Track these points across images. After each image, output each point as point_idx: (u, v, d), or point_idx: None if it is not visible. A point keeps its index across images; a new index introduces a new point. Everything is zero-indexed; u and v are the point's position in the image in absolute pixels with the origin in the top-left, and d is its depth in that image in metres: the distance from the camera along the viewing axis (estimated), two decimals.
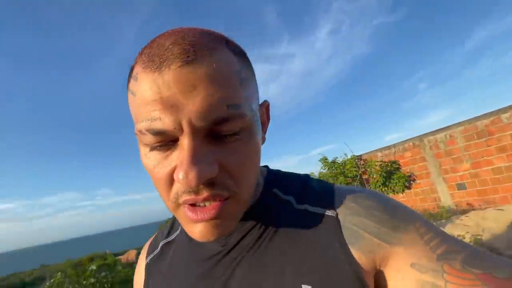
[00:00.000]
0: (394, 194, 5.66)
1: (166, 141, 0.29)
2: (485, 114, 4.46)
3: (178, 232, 0.47)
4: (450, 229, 3.32)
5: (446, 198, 4.97)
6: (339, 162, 6.54)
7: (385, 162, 5.79)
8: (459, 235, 3.02)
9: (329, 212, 0.36)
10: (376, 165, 5.86)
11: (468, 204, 4.67)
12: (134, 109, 0.30)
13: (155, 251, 0.47)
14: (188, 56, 0.27)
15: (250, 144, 0.31)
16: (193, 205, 0.30)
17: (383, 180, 5.58)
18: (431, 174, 5.17)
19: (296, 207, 0.38)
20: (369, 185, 5.87)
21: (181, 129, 0.27)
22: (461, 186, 4.78)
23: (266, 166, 0.48)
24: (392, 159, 5.75)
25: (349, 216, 0.35)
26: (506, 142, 4.23)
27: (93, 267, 5.36)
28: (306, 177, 0.44)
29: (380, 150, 6.04)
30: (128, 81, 0.31)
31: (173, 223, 0.50)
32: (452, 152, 4.84)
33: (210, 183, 0.29)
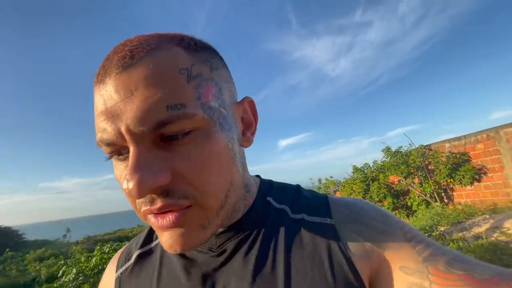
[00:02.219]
0: (461, 185, 5.73)
1: (121, 150, 0.30)
2: None
3: (157, 241, 0.45)
4: (508, 222, 3.60)
5: None
6: (403, 151, 6.76)
7: (453, 153, 5.83)
8: (507, 227, 3.35)
9: (326, 220, 0.38)
10: (442, 156, 5.95)
11: None
12: (95, 122, 0.30)
13: (128, 263, 0.44)
14: (125, 62, 0.27)
15: (207, 146, 0.30)
16: (155, 214, 0.29)
17: (448, 171, 5.70)
18: (505, 168, 5.08)
19: (291, 216, 0.40)
20: (433, 176, 6.04)
21: (122, 137, 0.27)
22: None
23: (258, 176, 0.48)
24: (462, 150, 5.74)
25: (344, 223, 0.38)
26: None
27: None
28: (298, 187, 0.46)
29: (449, 140, 6.04)
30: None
31: (150, 231, 0.47)
32: None
33: (164, 192, 0.28)
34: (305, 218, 0.39)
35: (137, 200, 0.30)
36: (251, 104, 0.39)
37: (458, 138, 5.89)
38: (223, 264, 0.37)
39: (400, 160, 6.62)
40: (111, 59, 0.28)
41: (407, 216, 6.45)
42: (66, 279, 5.88)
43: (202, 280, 0.36)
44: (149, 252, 0.44)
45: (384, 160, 7.19)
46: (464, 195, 5.80)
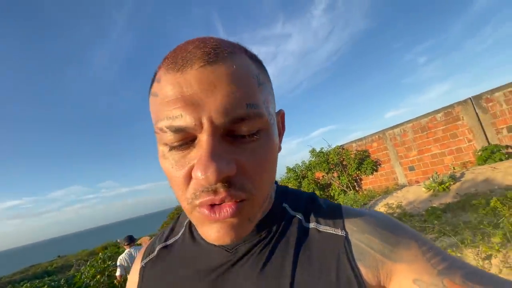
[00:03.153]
0: (365, 175, 7.58)
1: (185, 140, 0.30)
2: (425, 114, 6.24)
3: (178, 236, 0.47)
4: (390, 199, 5.20)
5: (402, 177, 6.88)
6: (324, 151, 8.38)
7: (358, 151, 7.66)
8: (391, 203, 4.91)
9: (338, 232, 0.38)
10: (351, 154, 7.73)
11: (416, 181, 6.57)
12: (156, 109, 0.31)
13: (151, 254, 0.47)
14: (210, 58, 0.29)
15: (268, 146, 0.33)
16: (211, 205, 0.30)
17: (356, 165, 7.47)
18: (391, 160, 7.05)
19: (305, 225, 0.40)
20: (347, 170, 7.77)
21: (201, 126, 0.28)
22: (411, 168, 6.67)
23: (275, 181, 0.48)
24: (364, 148, 7.61)
25: (356, 233, 0.37)
26: (439, 135, 6.05)
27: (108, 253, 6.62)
28: (313, 195, 0.46)
29: (355, 141, 7.90)
30: (151, 85, 0.34)
31: (173, 227, 0.50)
32: (405, 143, 6.68)
33: (227, 183, 0.29)
34: (318, 228, 0.39)
35: (193, 191, 0.30)
36: (283, 116, 0.42)
37: (360, 139, 7.76)
38: (234, 264, 0.38)
39: (322, 159, 8.22)
40: (193, 52, 0.30)
41: None
42: None
43: (215, 278, 0.38)
44: (171, 246, 0.46)
45: (311, 160, 8.75)
46: (368, 182, 7.71)
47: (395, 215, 4.39)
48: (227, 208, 0.30)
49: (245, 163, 0.30)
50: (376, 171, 7.45)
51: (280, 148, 0.40)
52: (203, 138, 0.29)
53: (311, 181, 8.49)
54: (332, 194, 8.11)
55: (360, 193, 7.36)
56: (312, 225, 0.40)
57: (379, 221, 0.39)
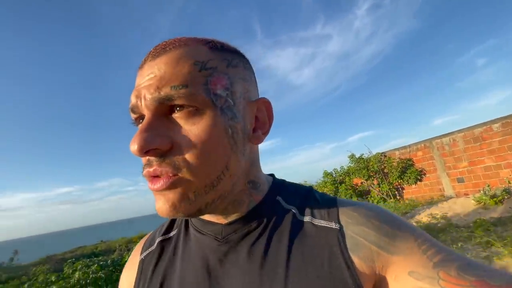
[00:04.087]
0: (408, 185, 7.40)
1: (138, 119, 0.38)
2: (480, 124, 5.96)
3: (176, 229, 0.49)
4: (435, 209, 5.11)
5: (449, 189, 6.61)
6: (364, 158, 8.33)
7: (401, 159, 7.50)
8: (435, 213, 4.84)
9: (332, 225, 0.39)
10: (394, 162, 7.60)
11: (465, 194, 6.28)
12: None
13: (151, 247, 0.49)
14: (156, 52, 0.36)
15: (207, 125, 0.34)
16: (152, 177, 0.34)
17: (398, 174, 7.33)
18: (437, 170, 6.81)
19: (299, 218, 0.41)
20: (388, 178, 7.65)
21: (140, 105, 0.35)
22: (460, 180, 6.39)
23: (272, 175, 0.51)
24: (408, 157, 7.44)
25: (351, 225, 0.39)
26: (495, 146, 5.74)
27: None
28: (310, 189, 0.47)
29: (398, 149, 7.74)
30: None
31: (172, 220, 0.52)
32: (454, 153, 6.42)
33: (161, 157, 0.33)
34: (312, 221, 0.40)
35: (142, 166, 0.35)
36: (267, 105, 0.42)
37: (404, 147, 7.60)
38: (227, 253, 0.40)
39: (362, 165, 8.17)
40: (151, 50, 0.37)
41: None
42: None
43: (209, 267, 0.40)
44: (170, 239, 0.48)
45: (349, 165, 8.73)
46: (411, 192, 7.51)
47: (439, 225, 4.35)
48: (161, 181, 0.33)
49: (180, 141, 0.33)
50: (420, 180, 7.23)
51: (260, 139, 0.41)
52: (145, 115, 0.35)
53: (348, 186, 8.48)
54: (371, 202, 8.03)
55: (402, 202, 7.20)
56: (307, 218, 0.41)
57: (375, 214, 0.40)
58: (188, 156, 0.33)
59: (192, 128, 0.34)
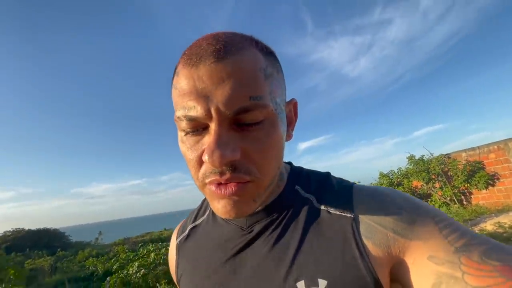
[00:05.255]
0: (477, 189, 6.87)
1: (198, 127, 0.36)
2: None
3: (204, 217, 0.55)
4: (504, 218, 4.78)
5: None
6: (424, 160, 7.94)
7: (469, 161, 7.00)
8: (503, 222, 4.56)
9: (347, 213, 0.41)
10: (460, 164, 7.14)
11: None
12: (174, 100, 0.38)
13: (183, 233, 0.55)
14: (219, 54, 0.34)
15: (272, 134, 0.37)
16: (218, 184, 0.36)
17: (465, 177, 6.88)
18: None
19: (316, 206, 0.44)
20: (452, 182, 7.22)
21: (210, 116, 0.34)
22: None
23: (289, 163, 0.54)
24: (477, 159, 6.91)
25: (366, 212, 0.40)
26: None
27: None
28: (327, 176, 0.49)
29: (465, 150, 7.23)
30: (173, 77, 0.39)
31: (200, 208, 0.58)
32: None
33: (232, 166, 0.35)
34: (328, 209, 0.42)
35: (203, 172, 0.37)
36: (295, 105, 0.47)
37: (472, 149, 7.07)
38: (250, 243, 0.44)
39: (422, 167, 7.81)
40: (205, 49, 0.35)
41: None
42: (130, 271, 7.27)
43: (234, 254, 0.44)
44: (199, 226, 0.54)
45: (408, 167, 8.41)
46: (480, 197, 6.96)
47: (504, 234, 4.15)
48: (232, 187, 0.36)
49: (250, 149, 0.36)
50: (493, 186, 6.66)
51: (291, 136, 0.45)
52: (212, 127, 0.35)
53: (406, 189, 8.18)
54: (431, 205, 7.64)
55: (469, 208, 6.74)
56: (323, 206, 0.43)
57: (392, 199, 0.40)
58: (258, 164, 0.36)
59: (262, 138, 0.36)
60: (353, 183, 0.47)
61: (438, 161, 7.54)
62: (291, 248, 0.40)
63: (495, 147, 6.57)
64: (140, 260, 7.94)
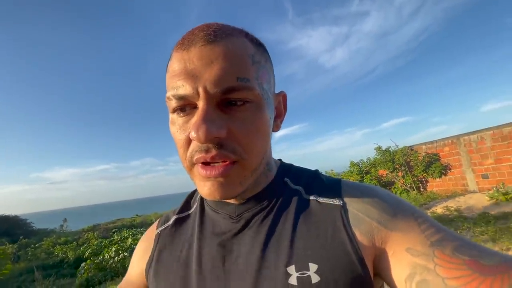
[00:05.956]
0: (432, 178, 7.87)
1: (186, 106, 0.38)
2: (509, 123, 6.23)
3: (193, 209, 0.54)
4: (451, 203, 5.66)
5: (473, 184, 7.01)
6: (390, 151, 8.81)
7: (428, 153, 7.95)
8: (450, 206, 5.42)
9: (336, 201, 0.43)
10: (420, 156, 8.08)
11: (489, 189, 6.64)
12: (166, 82, 0.40)
13: (167, 223, 0.55)
14: (209, 38, 0.37)
15: (258, 117, 0.39)
16: (205, 164, 0.37)
17: (424, 167, 7.82)
18: (463, 166, 7.20)
19: (304, 196, 0.46)
20: (412, 171, 8.16)
21: (198, 94, 0.35)
22: (485, 176, 6.75)
23: (280, 160, 0.55)
24: (434, 151, 7.86)
25: (353, 203, 0.42)
26: None
27: None
28: (316, 171, 0.52)
29: (425, 143, 8.16)
30: (168, 63, 0.41)
31: (188, 201, 0.57)
32: (480, 150, 6.76)
33: (218, 144, 0.36)
34: (316, 199, 0.44)
35: (190, 151, 0.38)
36: (285, 97, 0.49)
37: (431, 142, 8.02)
38: (240, 231, 0.45)
39: (388, 158, 8.69)
40: (197, 34, 0.38)
41: None
42: (107, 256, 7.38)
43: (223, 242, 0.45)
44: (186, 218, 0.54)
45: (376, 157, 9.29)
46: (435, 185, 7.98)
47: (450, 216, 4.96)
48: (218, 168, 0.37)
49: (236, 129, 0.37)
50: (445, 175, 7.66)
51: (278, 128, 0.48)
52: (200, 105, 0.36)
53: (373, 177, 9.06)
54: (394, 193, 8.57)
55: (424, 194, 7.71)
56: (312, 197, 0.45)
57: (377, 193, 0.43)
58: (244, 143, 0.38)
59: (249, 119, 0.38)
60: (341, 178, 0.49)
61: (402, 153, 8.44)
62: (281, 235, 0.42)
63: (449, 141, 7.52)
64: (117, 245, 8.07)
